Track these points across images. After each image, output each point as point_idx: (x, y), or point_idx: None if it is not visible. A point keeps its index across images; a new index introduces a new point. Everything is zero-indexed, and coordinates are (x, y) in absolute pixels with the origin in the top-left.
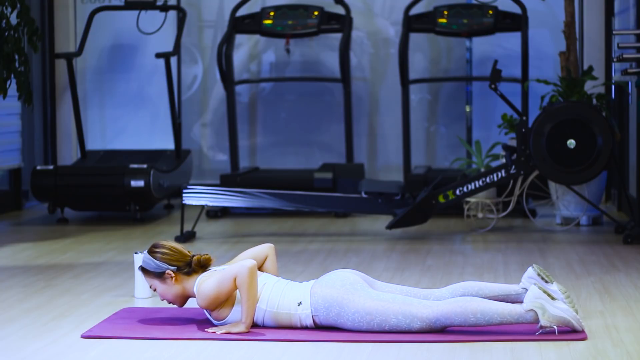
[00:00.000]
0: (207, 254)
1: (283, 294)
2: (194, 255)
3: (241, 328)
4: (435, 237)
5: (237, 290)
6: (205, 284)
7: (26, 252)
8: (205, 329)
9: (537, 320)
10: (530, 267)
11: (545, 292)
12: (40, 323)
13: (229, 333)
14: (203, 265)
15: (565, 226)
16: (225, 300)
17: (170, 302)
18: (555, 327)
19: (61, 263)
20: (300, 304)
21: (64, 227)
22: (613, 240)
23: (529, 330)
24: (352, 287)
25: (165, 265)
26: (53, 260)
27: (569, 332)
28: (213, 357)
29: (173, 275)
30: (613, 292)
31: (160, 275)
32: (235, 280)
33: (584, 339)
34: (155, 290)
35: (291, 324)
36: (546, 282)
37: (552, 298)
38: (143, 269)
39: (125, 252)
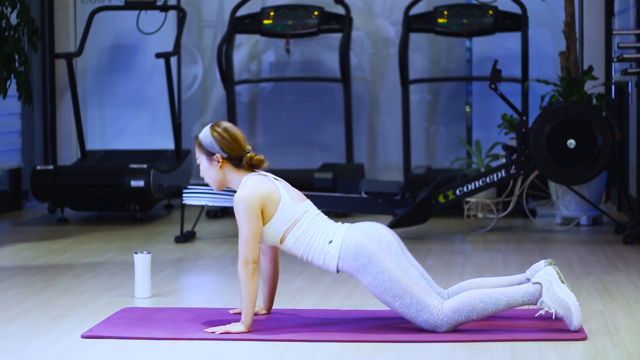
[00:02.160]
0: (261, 156)
1: (319, 228)
2: (248, 152)
3: (240, 328)
4: (435, 237)
5: (276, 212)
6: (243, 193)
7: (26, 252)
8: (205, 329)
9: (540, 295)
10: (543, 261)
11: (558, 273)
12: (40, 323)
13: (229, 333)
14: (253, 165)
15: (565, 226)
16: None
17: (206, 182)
18: (552, 311)
19: (61, 263)
20: (330, 242)
21: (64, 227)
22: (613, 240)
23: (529, 330)
24: (387, 246)
25: (217, 148)
26: (53, 260)
27: (569, 332)
28: (213, 357)
29: (220, 161)
30: (613, 292)
31: (209, 154)
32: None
33: (584, 339)
34: (199, 165)
35: (315, 259)
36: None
37: (562, 281)
38: (198, 140)
39: (125, 252)
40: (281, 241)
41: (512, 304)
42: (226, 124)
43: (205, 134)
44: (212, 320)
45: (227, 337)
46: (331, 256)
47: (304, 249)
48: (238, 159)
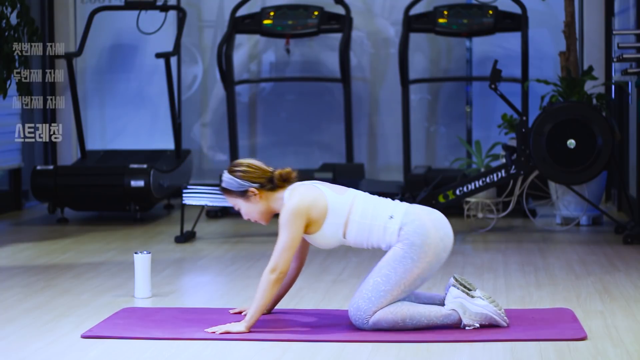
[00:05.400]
0: (288, 168)
1: (375, 206)
2: (274, 171)
3: (241, 328)
4: None
5: (328, 211)
6: (291, 203)
7: (26, 252)
8: (205, 329)
9: (460, 320)
10: (451, 277)
11: (464, 291)
12: (40, 323)
13: (229, 333)
14: (286, 179)
15: (565, 226)
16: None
17: (255, 221)
18: (478, 326)
19: (61, 263)
20: (391, 217)
21: (64, 227)
22: (613, 240)
23: (529, 330)
24: (442, 251)
25: (247, 183)
26: (53, 260)
27: (569, 332)
28: (213, 357)
29: (257, 192)
30: (613, 292)
31: (243, 194)
32: (294, 230)
33: (584, 338)
34: (239, 210)
35: (378, 239)
36: (469, 289)
37: (471, 296)
38: (225, 190)
39: (125, 252)
40: (344, 235)
41: (431, 326)
42: (240, 160)
43: (228, 180)
44: (212, 320)
45: (227, 337)
46: (392, 231)
47: (368, 231)
48: (270, 182)
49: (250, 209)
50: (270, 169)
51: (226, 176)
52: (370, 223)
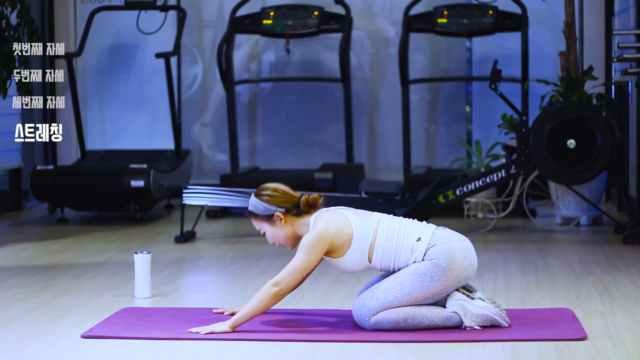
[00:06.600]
0: (315, 194)
1: (401, 229)
2: (301, 196)
3: (225, 328)
4: None
5: (353, 238)
6: (316, 229)
7: (26, 252)
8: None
9: (461, 322)
10: None
11: (464, 293)
12: (40, 323)
13: (214, 333)
14: (312, 206)
15: (565, 226)
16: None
17: (280, 245)
18: (479, 327)
19: (61, 263)
20: (419, 239)
21: (64, 227)
22: (613, 240)
23: (529, 330)
24: (463, 277)
25: (273, 207)
26: (53, 260)
27: (569, 332)
28: (213, 357)
29: (282, 217)
30: (613, 292)
31: (269, 218)
32: (314, 253)
33: (584, 338)
34: (264, 234)
35: (405, 261)
36: (469, 291)
37: (472, 298)
38: (251, 213)
39: (125, 252)
40: (370, 259)
41: (432, 327)
42: (267, 184)
43: (254, 203)
44: (211, 320)
45: (226, 337)
46: (420, 252)
47: (395, 254)
48: (296, 207)
49: (275, 233)
50: (297, 194)
51: (253, 200)
52: (397, 246)
